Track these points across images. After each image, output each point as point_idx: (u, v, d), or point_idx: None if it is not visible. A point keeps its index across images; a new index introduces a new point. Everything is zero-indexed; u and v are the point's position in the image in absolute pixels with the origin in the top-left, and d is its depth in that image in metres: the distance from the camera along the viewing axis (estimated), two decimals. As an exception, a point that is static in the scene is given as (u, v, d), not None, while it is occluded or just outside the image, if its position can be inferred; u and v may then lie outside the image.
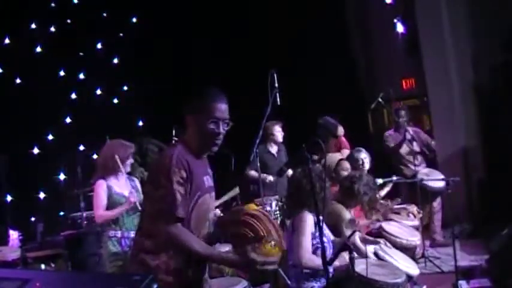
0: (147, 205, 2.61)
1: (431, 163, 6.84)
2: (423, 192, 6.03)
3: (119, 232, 4.11)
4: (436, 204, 6.45)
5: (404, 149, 6.61)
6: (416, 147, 6.60)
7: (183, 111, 2.60)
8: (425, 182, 5.94)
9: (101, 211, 4.13)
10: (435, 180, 6.02)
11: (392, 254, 3.92)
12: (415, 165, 6.35)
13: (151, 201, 2.54)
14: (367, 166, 5.55)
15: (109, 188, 4.16)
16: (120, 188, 4.22)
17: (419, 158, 6.57)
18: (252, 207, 2.66)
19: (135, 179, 4.43)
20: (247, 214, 2.54)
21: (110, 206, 4.13)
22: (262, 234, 2.46)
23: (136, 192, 4.27)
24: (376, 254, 3.84)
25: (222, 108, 2.55)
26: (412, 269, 3.89)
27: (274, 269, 2.51)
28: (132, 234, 4.07)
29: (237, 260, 2.47)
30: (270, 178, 5.78)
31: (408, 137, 6.58)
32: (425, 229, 6.39)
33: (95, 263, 5.13)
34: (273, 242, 2.48)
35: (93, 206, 4.22)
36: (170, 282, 2.45)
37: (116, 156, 4.17)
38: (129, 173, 4.39)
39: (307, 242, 3.38)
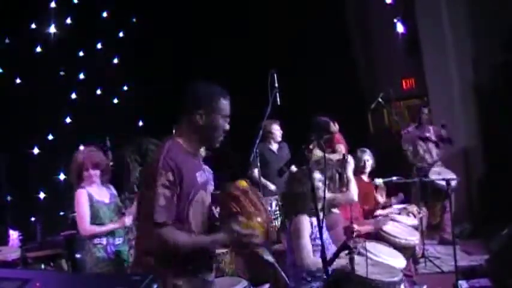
0: (141, 206, 2.60)
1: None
2: (436, 190, 6.05)
3: (104, 239, 4.04)
4: (449, 204, 6.44)
5: (421, 147, 6.66)
6: (433, 145, 6.68)
7: (187, 109, 2.56)
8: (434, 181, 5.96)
9: (87, 225, 4.03)
10: (436, 180, 6.01)
11: (376, 252, 3.85)
12: (427, 162, 6.43)
13: (143, 202, 2.53)
14: (368, 168, 5.49)
15: (90, 196, 4.08)
16: (99, 196, 4.16)
17: (434, 156, 6.61)
18: (242, 183, 2.63)
19: (111, 186, 4.35)
20: (238, 189, 2.56)
21: (93, 215, 4.06)
22: (248, 209, 2.48)
23: (114, 199, 4.26)
24: (359, 252, 3.77)
25: (229, 105, 2.60)
26: (398, 262, 3.83)
27: (258, 243, 2.50)
28: (117, 241, 4.08)
29: (225, 237, 2.47)
30: (272, 187, 5.75)
31: (427, 134, 6.64)
32: (434, 227, 6.44)
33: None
34: (259, 219, 2.48)
35: (77, 217, 4.09)
36: (175, 283, 2.43)
37: (86, 165, 4.10)
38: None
39: (307, 244, 3.39)
